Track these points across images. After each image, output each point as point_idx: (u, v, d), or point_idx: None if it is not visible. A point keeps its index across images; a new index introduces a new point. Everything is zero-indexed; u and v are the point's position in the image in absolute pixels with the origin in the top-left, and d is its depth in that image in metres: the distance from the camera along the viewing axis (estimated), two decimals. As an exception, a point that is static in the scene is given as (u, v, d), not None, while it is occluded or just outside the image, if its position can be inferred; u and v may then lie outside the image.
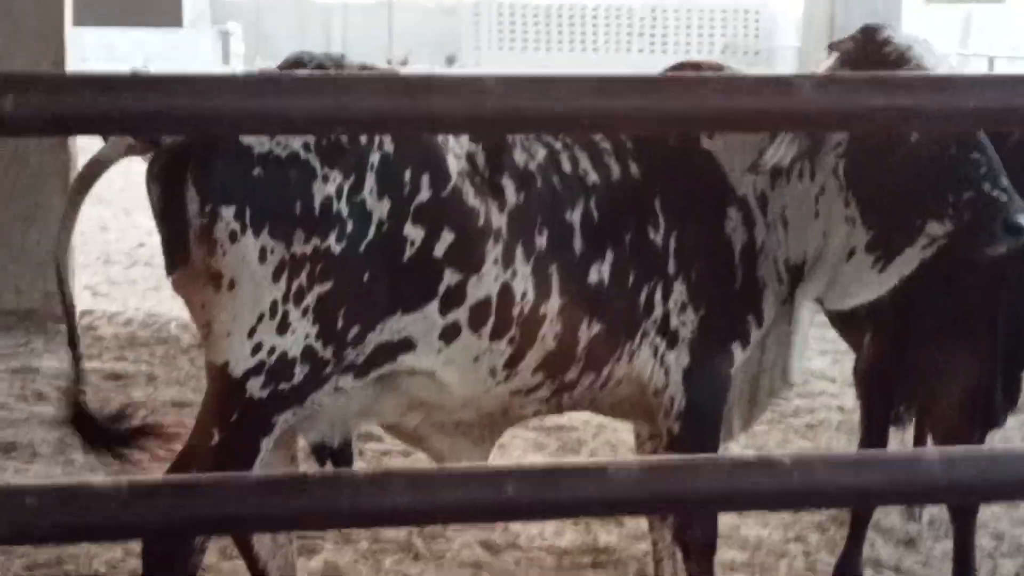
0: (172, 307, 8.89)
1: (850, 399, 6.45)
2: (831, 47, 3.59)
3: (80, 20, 8.50)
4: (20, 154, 7.98)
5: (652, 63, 27.56)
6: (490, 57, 28.86)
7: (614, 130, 2.98)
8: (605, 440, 6.15)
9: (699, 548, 3.71)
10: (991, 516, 5.14)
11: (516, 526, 5.06)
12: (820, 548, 4.89)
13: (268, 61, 24.62)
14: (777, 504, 2.30)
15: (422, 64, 25.42)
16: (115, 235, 11.00)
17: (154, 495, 1.83)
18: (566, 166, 3.42)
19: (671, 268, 3.51)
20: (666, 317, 3.54)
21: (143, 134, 2.74)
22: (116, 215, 12.45)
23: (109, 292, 9.63)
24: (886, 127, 2.56)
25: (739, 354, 3.63)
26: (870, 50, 3.50)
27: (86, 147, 8.82)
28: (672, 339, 3.56)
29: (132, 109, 1.72)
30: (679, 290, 3.52)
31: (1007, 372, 4.15)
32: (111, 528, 1.88)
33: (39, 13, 7.89)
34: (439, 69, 24.88)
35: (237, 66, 24.28)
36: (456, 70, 25.48)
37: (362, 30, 30.79)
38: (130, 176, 9.41)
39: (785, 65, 27.10)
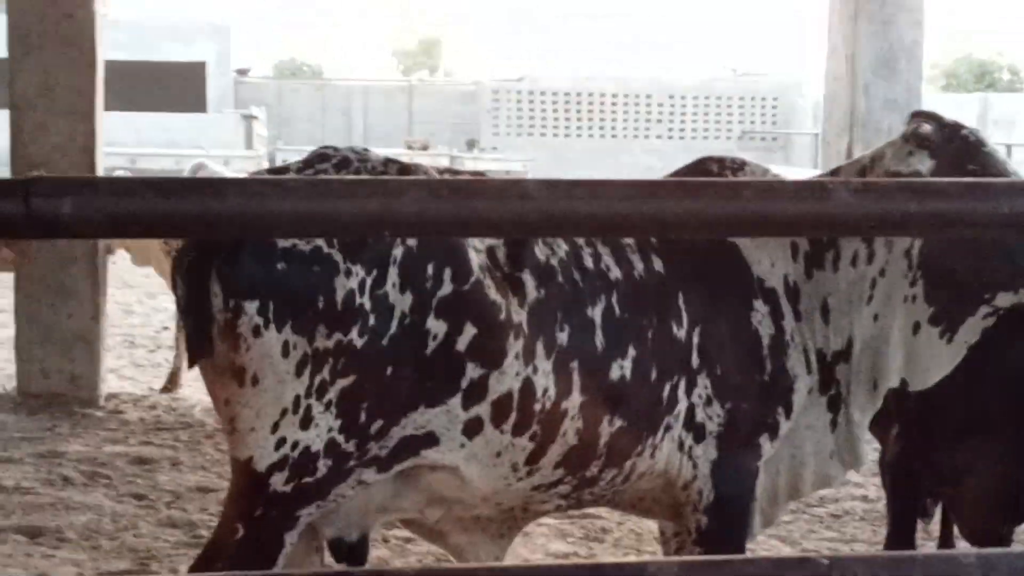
0: (196, 392, 8.95)
1: (874, 489, 6.44)
2: (911, 136, 3.60)
3: (110, 104, 8.65)
4: (49, 238, 8.06)
5: (670, 150, 27.74)
6: (509, 142, 29.04)
7: (653, 234, 3.03)
8: (630, 528, 6.13)
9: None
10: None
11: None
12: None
13: (290, 144, 24.88)
14: (815, 603, 2.30)
15: (442, 148, 25.61)
16: (139, 319, 11.08)
17: (201, 591, 1.85)
18: (588, 261, 3.43)
19: (695, 363, 3.51)
20: (691, 411, 3.53)
21: (198, 236, 2.78)
22: (140, 299, 12.56)
23: (134, 375, 9.69)
24: (921, 233, 2.60)
25: (768, 447, 3.63)
26: (948, 135, 3.59)
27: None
28: (699, 433, 3.55)
29: (188, 213, 1.77)
30: (703, 384, 3.52)
31: None
32: (158, 623, 1.89)
33: (75, 94, 8.06)
34: (459, 153, 25.07)
35: (260, 149, 24.52)
36: (477, 155, 25.67)
37: (382, 114, 31.07)
38: (156, 261, 9.53)
39: (803, 152, 27.25)
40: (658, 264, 3.52)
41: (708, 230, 1.97)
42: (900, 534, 4.46)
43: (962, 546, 4.91)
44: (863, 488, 6.72)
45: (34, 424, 7.71)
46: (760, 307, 3.60)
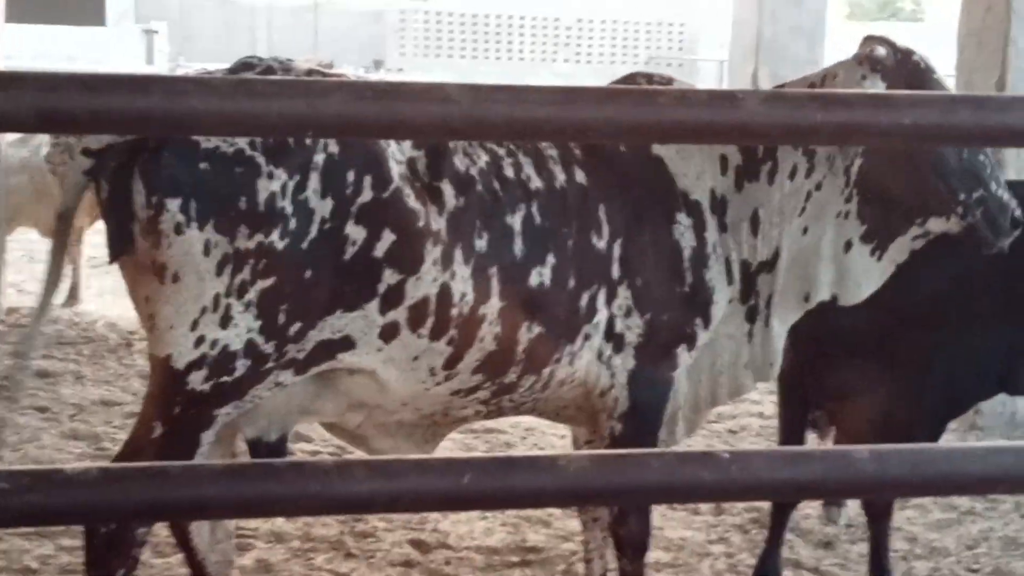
0: (98, 307, 8.89)
1: (771, 406, 6.61)
2: (865, 58, 3.67)
3: (7, 16, 8.47)
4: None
5: (578, 74, 27.74)
6: (416, 63, 28.83)
7: (572, 139, 3.09)
8: (533, 443, 6.25)
9: (632, 545, 3.81)
10: (905, 520, 5.31)
11: (445, 525, 5.14)
12: (742, 549, 5.02)
13: (192, 61, 24.44)
14: (717, 496, 2.41)
15: (348, 68, 25.34)
16: (38, 235, 10.91)
17: (124, 480, 1.90)
18: (508, 171, 3.49)
19: (615, 273, 3.59)
20: (611, 321, 3.61)
21: (122, 133, 2.80)
22: (39, 213, 12.34)
23: (34, 290, 9.57)
24: (827, 141, 2.69)
25: (685, 357, 3.72)
26: (900, 60, 3.67)
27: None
28: (618, 343, 3.64)
29: (114, 109, 1.79)
30: (624, 295, 3.60)
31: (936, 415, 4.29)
32: (82, 512, 1.94)
33: (-26, 7, 7.90)
34: (365, 74, 24.84)
35: (162, 65, 24.09)
36: (383, 76, 25.46)
37: (287, 32, 30.63)
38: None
39: (708, 77, 27.42)
40: (580, 176, 3.58)
41: (625, 135, 2.04)
42: (788, 443, 4.61)
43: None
44: (760, 405, 6.90)
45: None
46: (683, 219, 3.67)
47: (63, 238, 3.34)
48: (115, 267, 3.37)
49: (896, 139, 1.95)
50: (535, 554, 4.90)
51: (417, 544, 4.95)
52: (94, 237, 9.22)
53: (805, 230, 3.74)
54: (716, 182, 3.71)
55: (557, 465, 1.94)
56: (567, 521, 5.15)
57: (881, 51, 3.66)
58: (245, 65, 3.33)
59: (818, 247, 3.75)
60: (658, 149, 3.67)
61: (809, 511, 5.37)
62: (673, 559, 4.91)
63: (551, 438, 6.31)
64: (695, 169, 3.69)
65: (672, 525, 5.18)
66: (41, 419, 6.29)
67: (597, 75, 27.98)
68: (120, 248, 3.20)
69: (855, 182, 3.67)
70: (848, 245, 3.74)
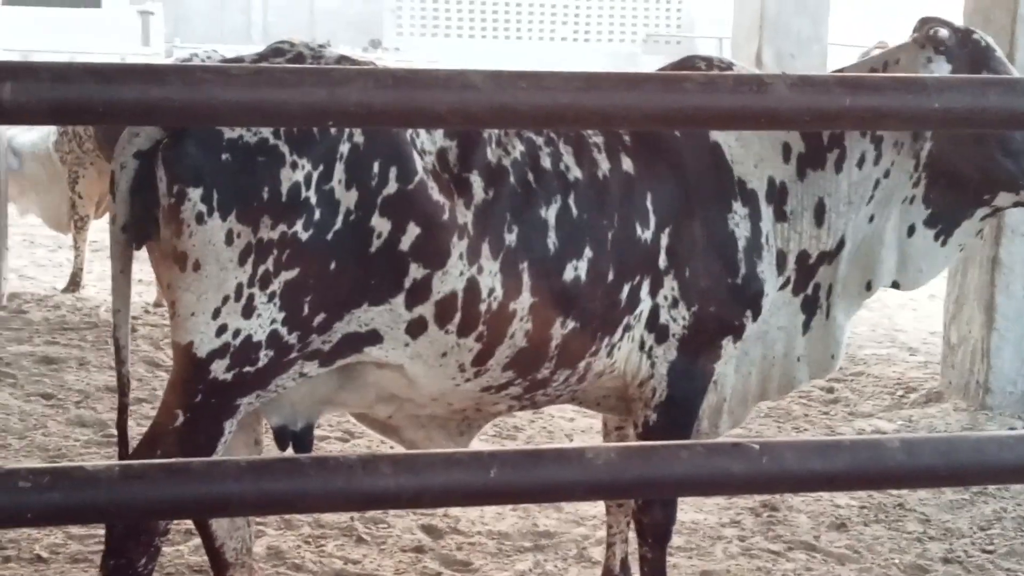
0: (99, 292, 8.86)
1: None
2: (927, 40, 3.58)
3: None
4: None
5: (575, 52, 27.67)
6: (413, 43, 28.72)
7: (596, 126, 3.04)
8: (541, 426, 6.22)
9: (655, 533, 3.76)
10: (918, 501, 5.28)
11: (456, 510, 5.10)
12: (755, 532, 5.00)
13: (188, 42, 24.34)
14: (747, 488, 2.38)
15: (344, 48, 25.20)
16: (39, 219, 10.90)
17: (146, 478, 1.86)
18: (545, 162, 3.40)
19: (662, 263, 3.50)
20: (655, 312, 3.53)
21: (138, 124, 2.76)
22: (39, 198, 12.30)
23: (36, 275, 9.56)
24: (855, 126, 2.65)
25: (730, 349, 3.64)
26: (961, 39, 3.58)
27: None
28: (662, 334, 3.56)
29: (129, 100, 1.75)
30: (670, 285, 3.52)
31: None
32: (104, 511, 1.91)
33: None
34: (362, 54, 24.71)
35: (158, 47, 23.98)
36: (380, 55, 25.36)
37: (282, 11, 30.52)
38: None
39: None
40: (627, 164, 3.49)
41: (650, 122, 2.00)
42: None
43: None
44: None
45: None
46: (739, 209, 3.58)
47: (128, 252, 3.27)
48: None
49: (925, 124, 1.91)
50: (547, 539, 4.88)
51: (428, 529, 4.92)
52: (97, 222, 9.19)
53: (871, 218, 3.66)
54: (776, 170, 3.62)
55: (585, 458, 1.91)
56: (579, 505, 5.12)
57: (943, 32, 3.56)
58: (276, 51, 3.29)
59: (882, 234, 3.67)
60: (716, 135, 3.58)
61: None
62: (686, 542, 4.89)
63: (559, 421, 6.29)
64: (754, 157, 3.60)
65: (684, 508, 5.15)
66: (46, 406, 6.26)
67: (596, 53, 27.91)
68: (145, 234, 3.20)
69: (924, 165, 3.59)
70: (912, 230, 3.67)
